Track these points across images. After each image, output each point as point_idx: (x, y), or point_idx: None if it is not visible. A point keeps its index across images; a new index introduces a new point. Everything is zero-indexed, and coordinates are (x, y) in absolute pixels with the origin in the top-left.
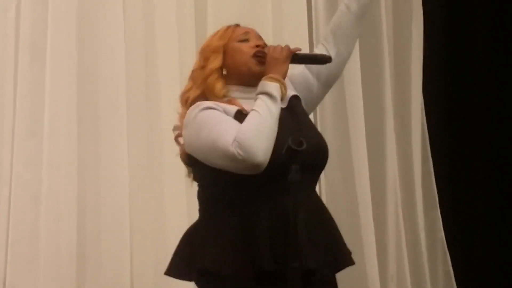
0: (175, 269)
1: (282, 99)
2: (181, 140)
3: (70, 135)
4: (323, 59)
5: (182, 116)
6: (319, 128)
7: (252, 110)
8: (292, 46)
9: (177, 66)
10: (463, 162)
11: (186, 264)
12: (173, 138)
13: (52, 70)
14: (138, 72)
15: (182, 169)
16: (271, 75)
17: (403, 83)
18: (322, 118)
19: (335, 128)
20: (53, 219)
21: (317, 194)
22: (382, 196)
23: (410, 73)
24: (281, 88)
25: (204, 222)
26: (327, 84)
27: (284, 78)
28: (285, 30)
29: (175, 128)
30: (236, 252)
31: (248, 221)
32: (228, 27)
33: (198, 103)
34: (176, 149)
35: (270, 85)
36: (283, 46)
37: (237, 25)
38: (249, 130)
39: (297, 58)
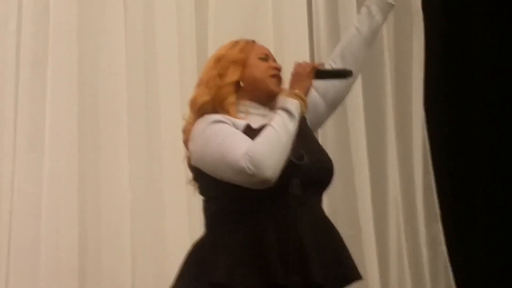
0: (182, 283)
1: (301, 115)
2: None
3: (71, 148)
4: (344, 73)
5: (191, 122)
6: (320, 141)
7: (269, 125)
8: (293, 56)
9: (178, 78)
10: (464, 175)
11: (194, 278)
12: (182, 141)
13: (53, 83)
14: (138, 84)
15: (183, 180)
16: (294, 91)
17: (404, 96)
18: (323, 131)
19: (336, 141)
20: (54, 232)
21: (323, 211)
22: (384, 210)
23: (411, 86)
24: (301, 105)
25: (211, 236)
26: (332, 105)
27: (306, 94)
28: (285, 40)
29: (185, 132)
30: (247, 266)
31: (255, 235)
32: (248, 42)
33: (207, 116)
34: (177, 157)
35: (291, 102)
36: (307, 62)
37: (254, 42)
38: (262, 145)
39: (320, 73)
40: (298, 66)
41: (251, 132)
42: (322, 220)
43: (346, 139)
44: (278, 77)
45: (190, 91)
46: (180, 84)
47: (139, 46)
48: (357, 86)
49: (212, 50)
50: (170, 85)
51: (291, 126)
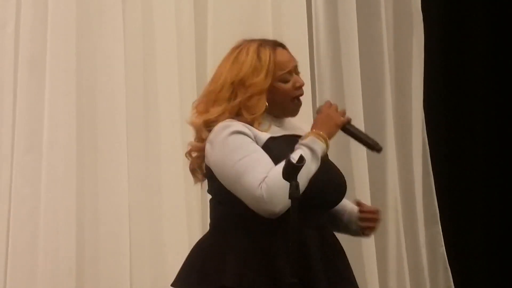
0: (184, 281)
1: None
2: (193, 154)
3: (69, 150)
4: (372, 146)
5: (199, 139)
6: None
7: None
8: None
9: (177, 80)
10: (464, 177)
11: (198, 278)
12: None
13: (51, 85)
14: (137, 86)
15: (181, 182)
16: (323, 133)
17: (404, 97)
18: None
19: (336, 143)
20: (52, 234)
21: (331, 230)
22: (383, 212)
23: (410, 87)
24: (325, 150)
25: (218, 238)
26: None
27: (330, 139)
28: (285, 42)
29: (190, 144)
30: (256, 271)
31: (263, 240)
32: (271, 53)
33: (228, 122)
34: (176, 158)
35: (319, 144)
36: (339, 108)
37: (275, 48)
38: (281, 178)
39: (348, 129)
40: (330, 108)
41: (272, 143)
42: (329, 236)
43: (346, 141)
44: (299, 99)
45: (189, 93)
46: (179, 86)
47: (138, 48)
48: (357, 86)
49: (211, 51)
50: (169, 87)
51: (313, 167)
